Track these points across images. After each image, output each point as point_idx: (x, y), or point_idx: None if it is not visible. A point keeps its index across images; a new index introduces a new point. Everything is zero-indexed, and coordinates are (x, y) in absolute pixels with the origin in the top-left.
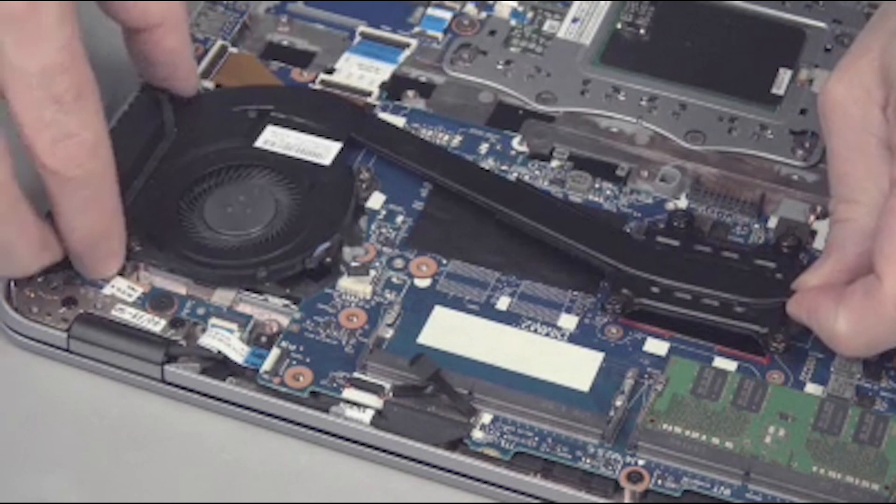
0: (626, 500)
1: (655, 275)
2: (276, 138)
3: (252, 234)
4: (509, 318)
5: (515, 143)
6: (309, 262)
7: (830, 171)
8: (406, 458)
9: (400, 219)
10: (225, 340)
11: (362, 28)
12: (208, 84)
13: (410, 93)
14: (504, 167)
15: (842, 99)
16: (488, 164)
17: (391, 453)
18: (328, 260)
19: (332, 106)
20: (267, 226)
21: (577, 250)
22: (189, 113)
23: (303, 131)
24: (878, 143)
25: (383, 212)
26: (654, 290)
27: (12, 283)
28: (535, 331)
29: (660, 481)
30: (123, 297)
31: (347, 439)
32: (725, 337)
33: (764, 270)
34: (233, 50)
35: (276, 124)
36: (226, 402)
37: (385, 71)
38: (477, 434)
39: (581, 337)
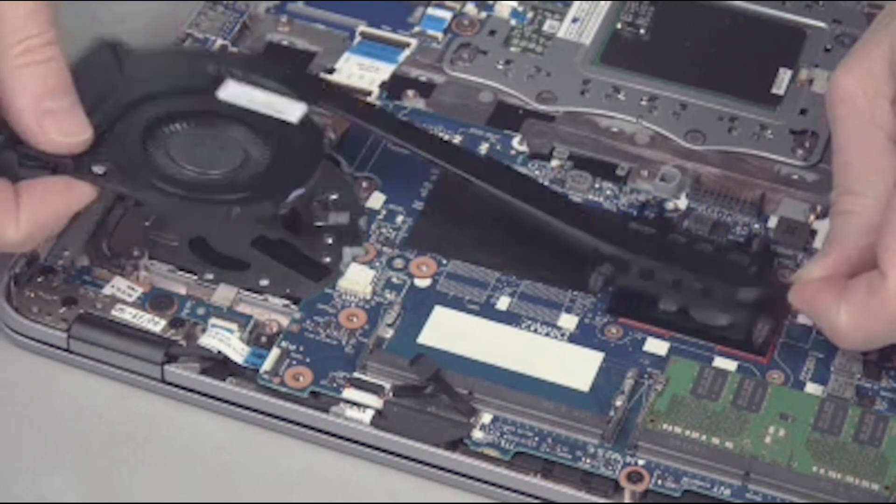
0: (626, 500)
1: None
2: (238, 91)
3: (222, 173)
4: (509, 318)
5: (515, 142)
6: (283, 207)
7: (835, 162)
8: (406, 458)
9: (400, 219)
10: (225, 340)
11: (362, 28)
12: None
13: (410, 92)
14: None
15: (850, 91)
16: None
17: (391, 453)
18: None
19: (293, 79)
20: (237, 168)
21: (556, 227)
22: (148, 64)
23: (266, 90)
24: (885, 137)
25: (383, 212)
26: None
27: (12, 283)
28: (535, 331)
29: (660, 481)
30: (123, 297)
31: (347, 439)
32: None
33: (737, 265)
34: (233, 50)
35: (238, 79)
36: (226, 402)
37: (385, 71)
38: (477, 434)
39: (581, 337)
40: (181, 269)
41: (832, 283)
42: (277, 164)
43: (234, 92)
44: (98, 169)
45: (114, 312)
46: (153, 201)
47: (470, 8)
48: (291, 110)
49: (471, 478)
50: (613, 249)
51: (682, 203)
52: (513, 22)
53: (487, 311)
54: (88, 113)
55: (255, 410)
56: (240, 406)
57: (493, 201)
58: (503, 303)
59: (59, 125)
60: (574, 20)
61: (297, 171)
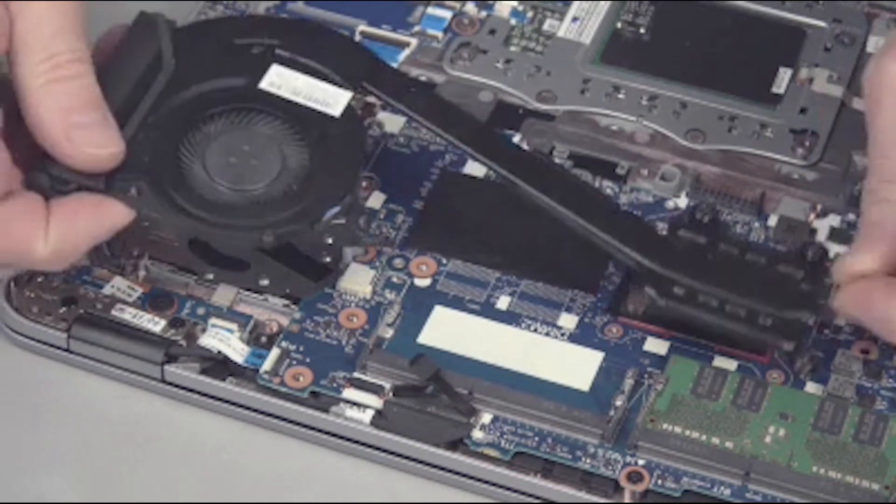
0: (626, 500)
1: (681, 274)
2: (281, 80)
3: (257, 189)
4: (509, 317)
5: (516, 141)
6: (318, 228)
7: (872, 150)
8: (406, 458)
9: (400, 218)
10: (225, 340)
11: (362, 27)
12: None
13: None
14: None
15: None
16: None
17: (391, 453)
18: (336, 223)
19: (344, 49)
20: (273, 181)
21: (598, 239)
22: (189, 43)
23: (310, 74)
24: None
25: (383, 212)
26: (679, 291)
27: (12, 283)
28: (535, 330)
29: (660, 481)
30: (123, 297)
31: (347, 439)
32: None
33: (790, 279)
34: None
35: (281, 63)
36: (226, 402)
37: None
38: (477, 434)
39: (581, 336)
40: (181, 269)
41: (881, 282)
42: (316, 173)
43: (277, 80)
44: (131, 190)
45: (114, 312)
46: (184, 228)
47: (470, 7)
48: (335, 101)
49: (471, 478)
50: (655, 266)
51: (682, 202)
52: (513, 21)
53: (487, 310)
54: (123, 102)
55: (255, 410)
56: (240, 406)
57: (533, 199)
58: (503, 302)
59: (90, 137)
60: (574, 19)
61: (336, 179)
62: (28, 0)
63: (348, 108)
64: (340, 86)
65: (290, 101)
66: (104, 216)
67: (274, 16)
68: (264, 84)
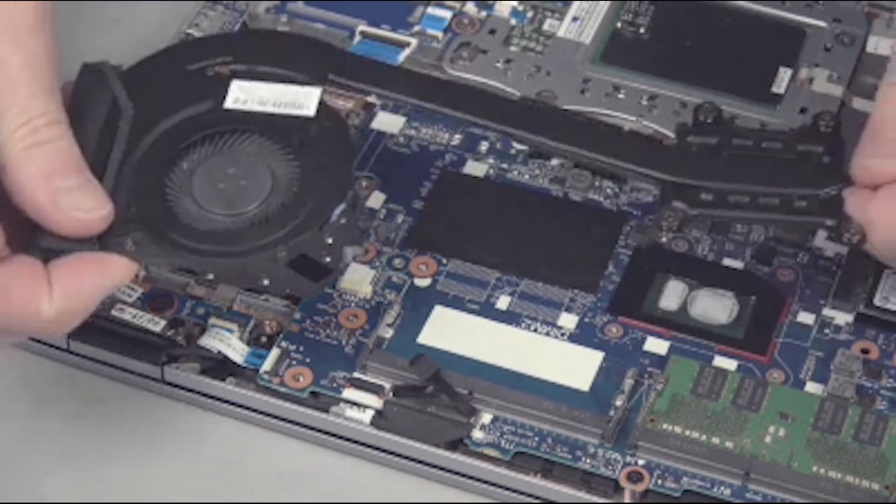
0: (626, 500)
1: (704, 179)
2: (245, 94)
3: (254, 208)
4: (509, 317)
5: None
6: (328, 231)
7: None
8: (406, 458)
9: (400, 218)
10: (225, 340)
11: (362, 27)
12: None
13: None
14: (504, 166)
15: None
16: (489, 162)
17: (391, 453)
18: (343, 222)
19: (300, 47)
20: (268, 197)
21: (608, 165)
22: (141, 82)
23: (272, 80)
24: None
25: (383, 211)
26: (706, 196)
27: None
28: (535, 330)
29: (660, 481)
30: (123, 297)
31: (347, 439)
32: (723, 339)
33: (811, 155)
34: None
35: (239, 77)
36: (226, 402)
37: None
38: (477, 434)
39: (581, 336)
40: (181, 270)
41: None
42: (309, 177)
43: (241, 96)
44: (128, 244)
45: (114, 312)
46: (194, 266)
47: (470, 7)
48: (306, 100)
49: (471, 478)
50: (676, 178)
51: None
52: (513, 21)
53: (487, 310)
54: (93, 157)
55: (255, 410)
56: (240, 406)
57: (536, 145)
58: (503, 302)
59: (76, 201)
60: (574, 19)
61: (332, 179)
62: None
63: (322, 105)
64: (307, 83)
65: (260, 113)
66: (107, 273)
67: (220, 34)
68: (229, 102)
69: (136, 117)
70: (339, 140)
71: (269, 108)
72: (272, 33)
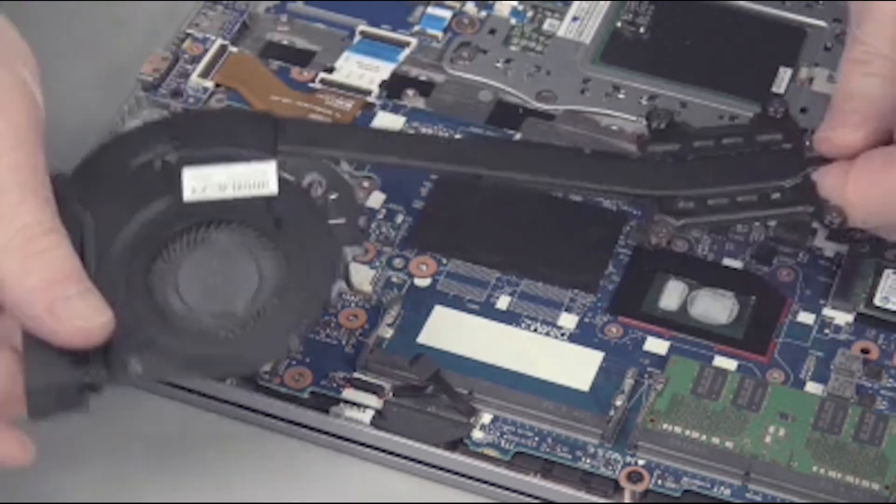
0: (626, 500)
1: (677, 188)
2: (200, 182)
3: (249, 299)
4: (509, 317)
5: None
6: (329, 308)
7: (866, 20)
8: (406, 458)
9: (400, 218)
10: None
11: (362, 27)
12: (208, 83)
13: (410, 91)
14: None
15: None
16: None
17: (391, 453)
18: (344, 288)
19: (241, 121)
20: (260, 287)
21: (576, 189)
22: (91, 187)
23: (223, 162)
24: None
25: (383, 211)
26: (686, 205)
27: None
28: (535, 330)
29: (660, 481)
30: None
31: (347, 439)
32: (723, 339)
33: (771, 144)
34: (233, 50)
35: (189, 165)
36: (226, 402)
37: (385, 70)
38: (477, 434)
39: (581, 336)
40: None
41: (882, 152)
42: (294, 253)
43: (196, 185)
44: (135, 365)
45: None
46: (213, 373)
47: (470, 7)
48: (264, 178)
49: (471, 478)
50: (649, 192)
51: None
52: (513, 21)
53: (487, 310)
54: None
55: (255, 411)
56: (240, 406)
57: (504, 182)
58: (503, 302)
59: (76, 310)
60: (574, 19)
61: (318, 256)
62: None
63: (282, 179)
64: (260, 159)
65: (223, 201)
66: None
67: (151, 122)
68: (188, 194)
69: (97, 227)
70: (310, 209)
71: (230, 193)
72: (205, 113)
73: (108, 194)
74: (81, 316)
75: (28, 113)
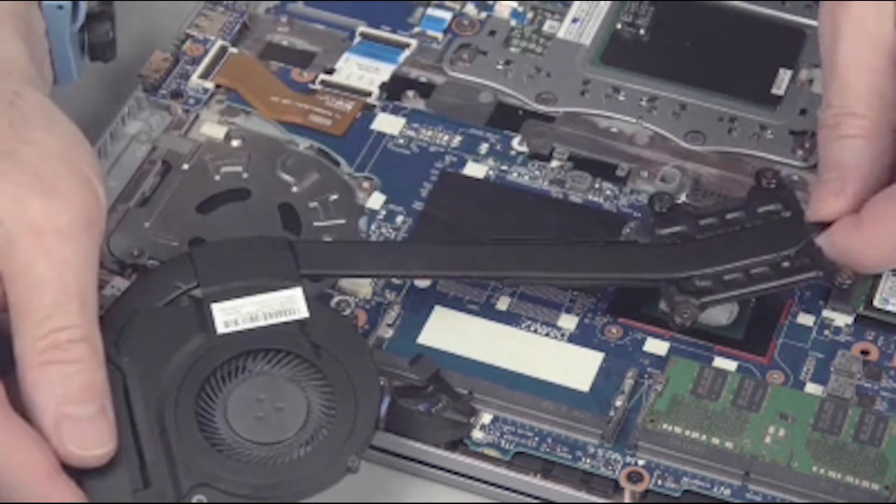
0: (626, 500)
1: (693, 268)
2: (231, 315)
3: (300, 427)
4: (509, 318)
5: (515, 143)
6: (382, 423)
7: (831, 80)
8: (406, 458)
9: (400, 219)
10: None
11: (362, 28)
12: (208, 84)
13: (410, 93)
14: (504, 167)
15: (860, 9)
16: (489, 163)
17: (391, 453)
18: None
19: (257, 252)
20: (310, 409)
21: (595, 281)
22: (123, 332)
23: (249, 294)
24: (888, 58)
25: (383, 212)
26: (703, 283)
27: None
28: (535, 331)
29: (660, 481)
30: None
31: None
32: (723, 339)
33: (772, 214)
34: (233, 50)
35: (215, 300)
36: None
37: (385, 71)
38: (477, 434)
39: (581, 337)
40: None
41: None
42: (336, 374)
43: (227, 318)
44: (200, 499)
45: None
46: (276, 500)
47: (470, 8)
48: (292, 304)
49: (471, 478)
50: (673, 276)
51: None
52: (513, 22)
53: (487, 311)
54: (121, 430)
55: None
56: None
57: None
58: (503, 303)
59: (77, 435)
60: (574, 20)
61: (360, 376)
62: (26, 265)
63: (311, 301)
64: (285, 287)
65: (256, 329)
66: None
67: (171, 259)
68: (221, 328)
69: (139, 371)
70: (345, 329)
71: (263, 323)
72: (224, 245)
73: (141, 337)
74: (80, 444)
75: (88, 211)
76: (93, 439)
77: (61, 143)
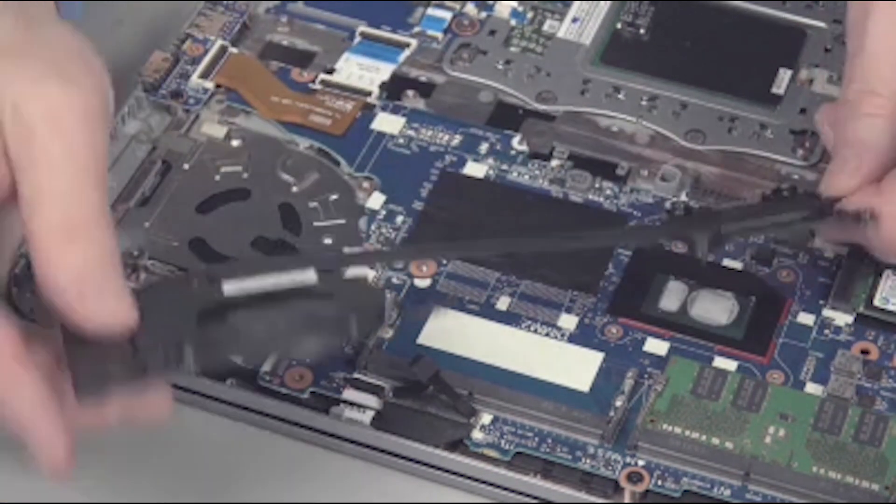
0: (626, 501)
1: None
2: (238, 285)
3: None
4: (509, 318)
5: (515, 142)
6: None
7: (855, 58)
8: (406, 458)
9: (400, 219)
10: None
11: (362, 28)
12: (208, 84)
13: (410, 93)
14: (504, 167)
15: None
16: (489, 163)
17: (391, 454)
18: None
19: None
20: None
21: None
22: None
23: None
24: None
25: (383, 212)
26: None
27: (13, 284)
28: (535, 331)
29: (660, 481)
30: None
31: (347, 440)
32: (723, 339)
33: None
34: (233, 50)
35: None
36: (226, 402)
37: (385, 71)
38: (477, 434)
39: (581, 337)
40: (181, 269)
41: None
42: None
43: (236, 287)
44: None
45: None
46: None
47: (470, 8)
48: (303, 277)
49: (471, 478)
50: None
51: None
52: (513, 22)
53: (487, 311)
54: None
55: (255, 411)
56: (240, 407)
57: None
58: (503, 303)
59: (103, 307)
60: (574, 20)
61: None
62: (42, 148)
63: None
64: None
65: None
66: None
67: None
68: (228, 292)
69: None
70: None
71: (272, 284)
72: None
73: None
74: (105, 314)
75: (102, 97)
76: (118, 309)
77: (72, 36)
